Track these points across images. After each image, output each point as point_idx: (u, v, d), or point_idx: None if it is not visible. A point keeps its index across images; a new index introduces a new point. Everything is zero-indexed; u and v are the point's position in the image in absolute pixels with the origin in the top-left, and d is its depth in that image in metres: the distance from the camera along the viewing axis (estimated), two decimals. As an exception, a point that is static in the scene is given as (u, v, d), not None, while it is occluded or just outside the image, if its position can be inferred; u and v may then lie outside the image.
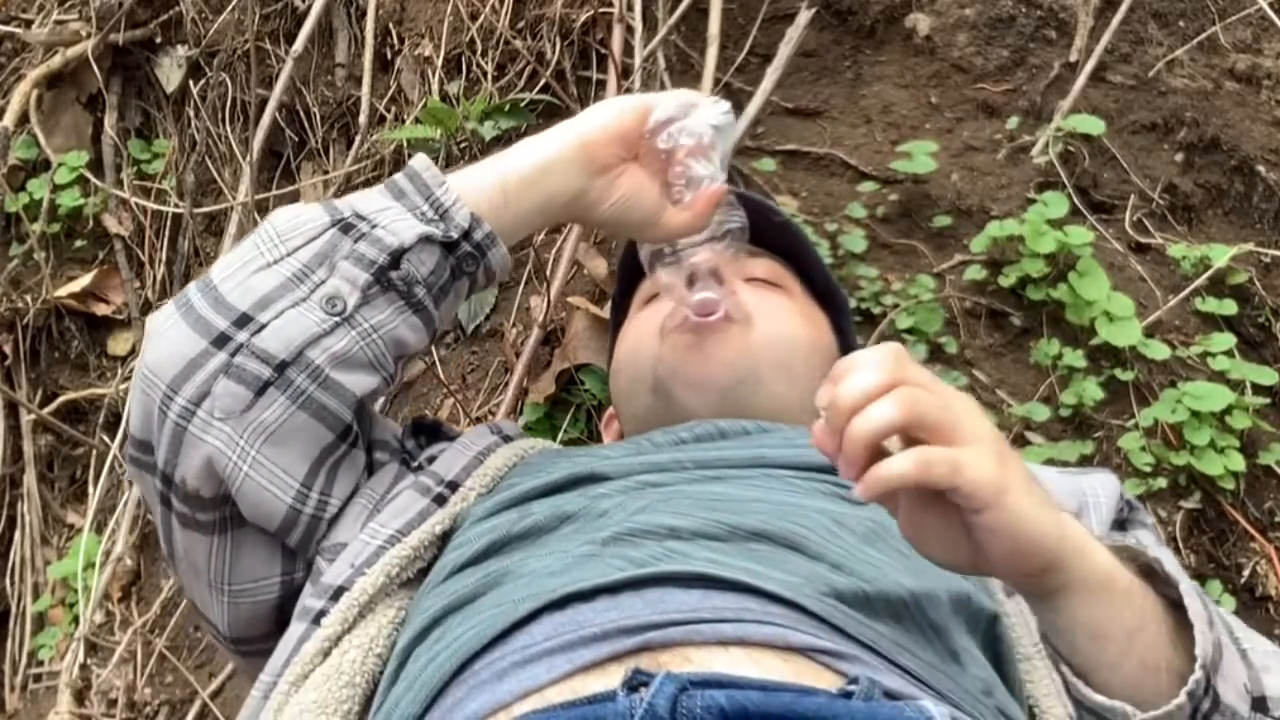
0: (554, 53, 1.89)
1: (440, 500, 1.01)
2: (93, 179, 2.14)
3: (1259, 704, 0.79)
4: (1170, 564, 0.80)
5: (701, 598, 0.77)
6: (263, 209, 2.03)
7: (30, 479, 2.08)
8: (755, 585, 0.78)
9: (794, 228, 1.27)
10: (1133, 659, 0.76)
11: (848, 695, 0.67)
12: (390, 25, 2.04)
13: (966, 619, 0.87)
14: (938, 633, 0.83)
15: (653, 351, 1.11)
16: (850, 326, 1.30)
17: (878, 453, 0.70)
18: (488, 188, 1.01)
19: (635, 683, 0.66)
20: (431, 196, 0.99)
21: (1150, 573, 0.80)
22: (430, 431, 1.15)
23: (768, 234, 1.21)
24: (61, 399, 2.08)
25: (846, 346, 1.27)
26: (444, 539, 0.98)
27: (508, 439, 1.11)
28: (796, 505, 0.88)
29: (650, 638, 0.73)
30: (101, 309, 2.13)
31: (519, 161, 1.02)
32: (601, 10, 1.83)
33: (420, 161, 1.01)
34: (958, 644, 0.84)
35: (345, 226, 0.97)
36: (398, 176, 1.02)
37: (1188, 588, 0.78)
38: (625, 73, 1.74)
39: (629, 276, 1.28)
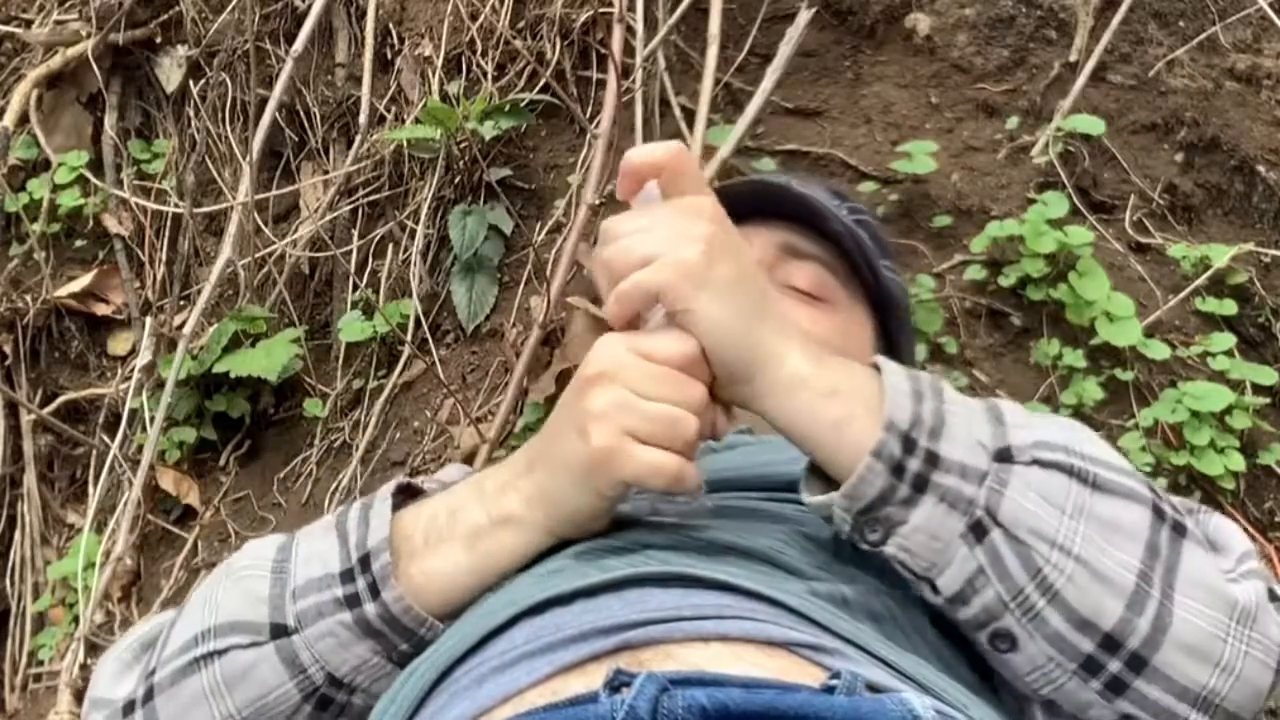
0: (554, 53, 1.89)
1: None
2: (93, 179, 2.14)
3: (1003, 454, 0.79)
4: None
5: (680, 596, 0.77)
6: (262, 209, 2.03)
7: (30, 479, 2.08)
8: (734, 583, 0.78)
9: (844, 232, 1.20)
10: (846, 449, 0.79)
11: (830, 690, 0.66)
12: (390, 25, 2.04)
13: (951, 627, 0.87)
14: (921, 634, 0.83)
15: None
16: (896, 323, 1.26)
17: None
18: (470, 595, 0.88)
19: (617, 683, 0.65)
20: (415, 637, 0.86)
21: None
22: None
23: (822, 232, 1.18)
24: (61, 399, 2.08)
25: (889, 349, 1.23)
26: None
27: None
28: (768, 521, 0.88)
29: (629, 637, 0.72)
30: (101, 309, 2.13)
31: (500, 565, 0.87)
32: (601, 10, 1.83)
33: (407, 615, 0.85)
34: (941, 647, 0.84)
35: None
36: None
37: (891, 367, 0.82)
38: (625, 73, 1.74)
39: None
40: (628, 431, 0.79)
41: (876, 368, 0.83)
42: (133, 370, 2.00)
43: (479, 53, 1.93)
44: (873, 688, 0.68)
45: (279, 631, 0.85)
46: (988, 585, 0.79)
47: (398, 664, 0.86)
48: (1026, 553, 0.78)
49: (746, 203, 1.20)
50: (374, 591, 0.85)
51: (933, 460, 0.78)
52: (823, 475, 0.84)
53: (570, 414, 0.83)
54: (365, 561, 0.85)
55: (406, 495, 0.92)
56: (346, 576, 0.85)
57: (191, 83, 2.18)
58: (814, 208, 1.21)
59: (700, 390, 0.82)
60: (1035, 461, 0.80)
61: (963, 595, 0.80)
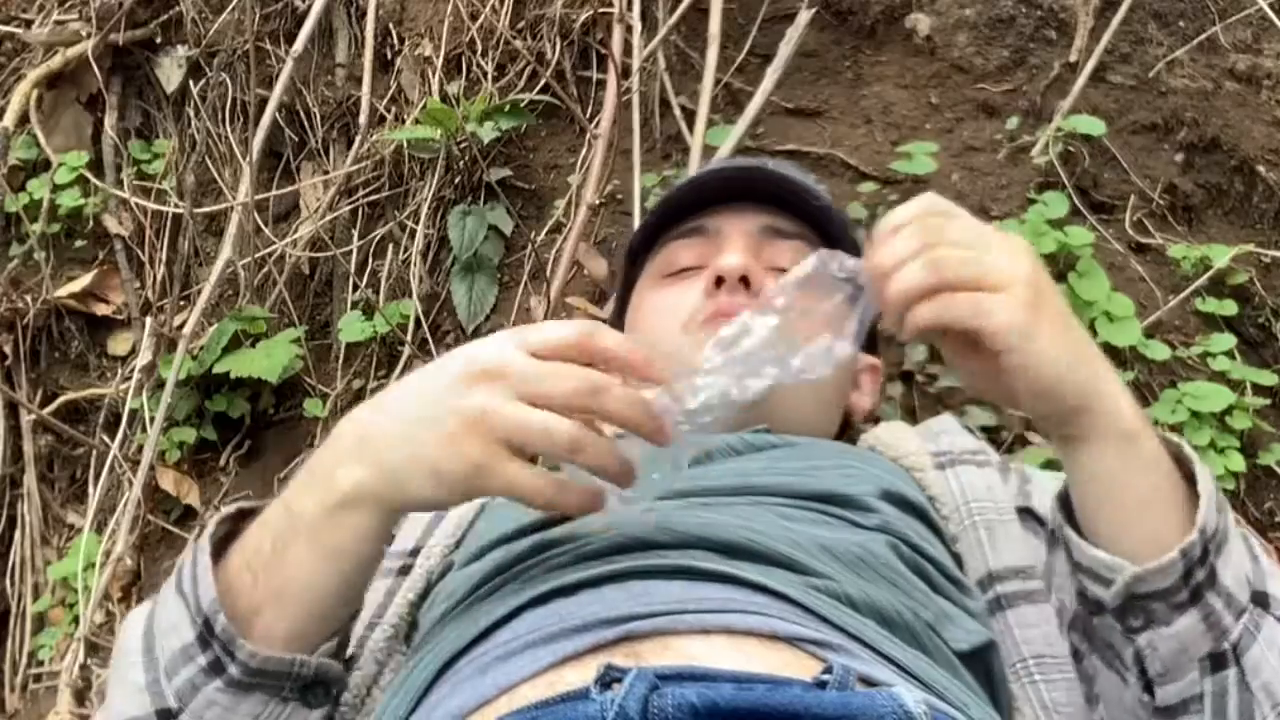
0: (554, 53, 1.89)
1: (405, 570, 0.99)
2: (93, 179, 2.14)
3: (1260, 598, 0.79)
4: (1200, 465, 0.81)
5: (684, 588, 0.76)
6: (262, 209, 2.03)
7: (30, 479, 2.08)
8: (739, 576, 0.77)
9: (830, 214, 1.20)
10: (1141, 528, 0.77)
11: (822, 684, 0.66)
12: (390, 25, 2.04)
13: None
14: (923, 648, 0.83)
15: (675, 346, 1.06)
16: None
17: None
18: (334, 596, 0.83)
19: (608, 679, 0.65)
20: (293, 675, 0.84)
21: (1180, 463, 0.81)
22: None
23: (803, 214, 1.17)
24: (61, 399, 2.08)
25: None
26: (423, 597, 0.97)
27: None
28: (785, 529, 0.87)
29: (633, 627, 0.72)
30: (101, 309, 2.13)
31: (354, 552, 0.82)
32: (601, 10, 1.83)
33: (270, 664, 0.82)
34: (947, 658, 0.84)
35: None
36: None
37: (1202, 468, 0.79)
38: (625, 73, 1.74)
39: (652, 233, 1.21)
40: (501, 440, 0.73)
41: (1178, 456, 0.81)
42: (133, 370, 2.00)
43: (479, 53, 1.93)
44: (867, 682, 0.68)
45: (165, 717, 0.82)
46: (1200, 715, 0.78)
47: (298, 699, 0.84)
48: (1250, 703, 0.78)
49: (723, 188, 1.19)
50: (230, 653, 0.81)
51: (1212, 578, 0.77)
52: (1069, 511, 0.82)
53: (437, 408, 0.75)
54: (209, 625, 0.81)
55: (239, 521, 0.86)
56: (202, 643, 0.81)
57: (191, 83, 2.18)
58: (794, 186, 1.20)
59: (585, 378, 0.74)
60: None
61: (1172, 711, 0.79)
